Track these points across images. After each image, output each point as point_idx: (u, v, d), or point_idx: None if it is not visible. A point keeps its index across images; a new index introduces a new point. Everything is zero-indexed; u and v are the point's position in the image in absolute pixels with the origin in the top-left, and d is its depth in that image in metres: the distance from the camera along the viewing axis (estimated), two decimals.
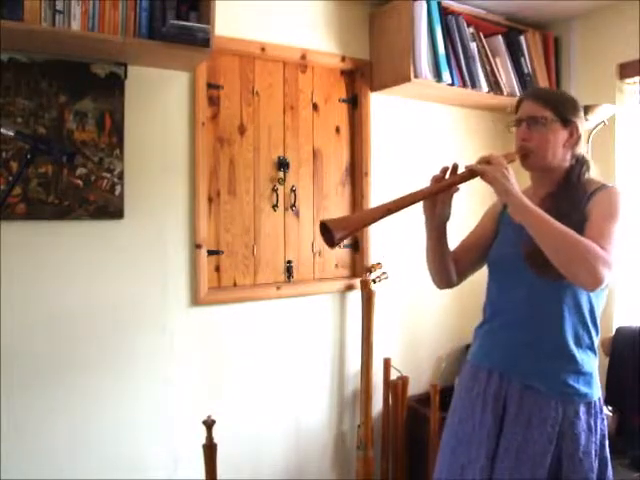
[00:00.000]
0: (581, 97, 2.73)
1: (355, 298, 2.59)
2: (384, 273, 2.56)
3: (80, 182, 1.95)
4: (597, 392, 1.46)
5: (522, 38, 2.77)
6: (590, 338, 1.46)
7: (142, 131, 2.08)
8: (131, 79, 2.04)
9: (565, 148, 1.49)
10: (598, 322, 1.48)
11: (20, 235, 1.88)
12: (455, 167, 1.45)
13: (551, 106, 1.47)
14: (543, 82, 2.81)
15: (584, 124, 1.53)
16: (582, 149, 1.53)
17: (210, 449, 1.98)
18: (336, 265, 2.62)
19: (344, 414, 2.60)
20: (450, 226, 1.56)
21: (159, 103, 2.12)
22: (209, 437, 1.97)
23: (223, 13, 2.08)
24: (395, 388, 2.59)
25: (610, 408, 2.47)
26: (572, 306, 1.42)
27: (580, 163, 1.51)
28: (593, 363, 1.46)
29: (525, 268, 1.42)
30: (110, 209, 2.00)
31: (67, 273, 1.96)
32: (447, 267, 1.60)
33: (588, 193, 1.44)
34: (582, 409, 1.42)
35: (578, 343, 1.43)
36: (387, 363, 2.61)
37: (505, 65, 2.72)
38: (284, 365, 2.43)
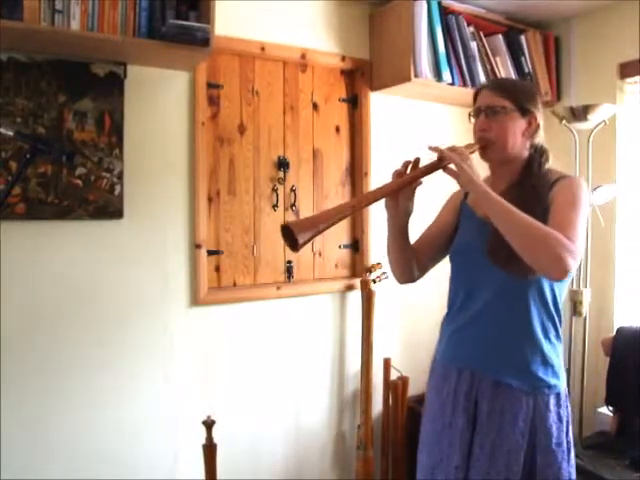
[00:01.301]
0: (582, 96, 2.77)
1: (355, 298, 2.59)
2: (384, 273, 2.56)
3: (80, 182, 1.95)
4: (564, 382, 1.47)
5: (522, 38, 2.77)
6: (555, 328, 1.46)
7: (142, 131, 2.08)
8: (131, 79, 2.03)
9: (524, 137, 1.48)
10: (561, 309, 1.48)
11: (20, 235, 1.88)
12: (417, 161, 1.45)
13: (509, 95, 1.47)
14: (543, 81, 2.80)
15: (542, 113, 1.52)
16: (541, 139, 1.52)
17: (210, 449, 1.98)
18: (336, 265, 2.62)
19: (344, 414, 2.60)
20: (413, 219, 1.54)
21: (159, 103, 2.12)
22: (209, 437, 1.98)
23: (223, 13, 2.08)
24: (395, 388, 2.58)
25: (611, 408, 2.47)
26: (537, 297, 1.42)
27: (539, 152, 1.51)
28: (559, 352, 1.47)
29: (488, 262, 1.41)
30: (110, 209, 2.00)
31: (67, 273, 1.96)
32: (409, 262, 1.59)
33: (550, 182, 1.43)
34: (552, 401, 1.43)
35: (545, 334, 1.44)
36: (387, 363, 2.60)
37: (505, 64, 2.71)
38: (284, 365, 2.43)
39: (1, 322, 1.84)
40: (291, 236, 1.27)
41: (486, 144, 1.47)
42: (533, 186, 1.44)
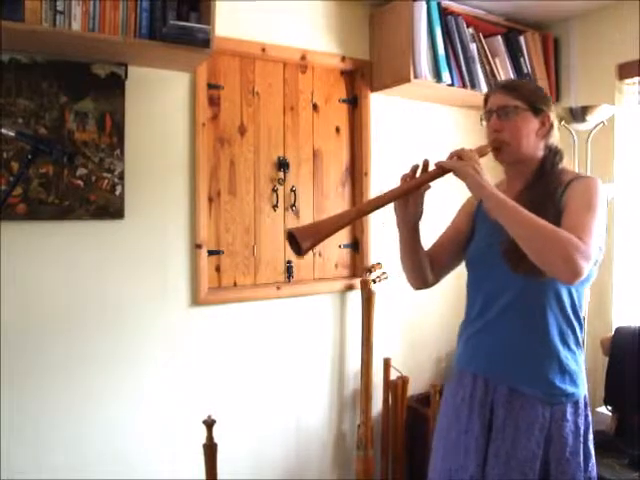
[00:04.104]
0: (581, 97, 2.78)
1: (355, 298, 2.59)
2: (384, 273, 2.57)
3: (81, 182, 1.95)
4: (583, 390, 1.44)
5: (522, 38, 2.77)
6: (574, 334, 1.43)
7: (142, 131, 2.08)
8: (131, 79, 2.04)
9: (538, 137, 1.46)
10: (581, 316, 1.45)
11: (20, 235, 1.88)
12: (426, 164, 1.42)
13: (520, 95, 1.45)
14: (542, 82, 2.81)
15: (554, 114, 1.50)
16: (555, 139, 1.50)
17: (210, 449, 1.98)
18: (336, 265, 2.63)
19: (344, 414, 2.60)
20: (426, 224, 1.53)
21: (159, 103, 2.12)
22: (209, 437, 1.98)
23: (223, 13, 2.09)
24: (395, 388, 2.59)
25: (610, 408, 2.48)
26: (555, 304, 1.39)
27: (553, 153, 1.48)
28: (579, 359, 1.44)
29: (504, 268, 1.39)
30: (110, 209, 2.00)
31: (67, 273, 1.96)
32: (422, 266, 1.56)
33: (564, 183, 1.41)
34: (569, 410, 1.40)
35: (563, 341, 1.41)
36: (387, 363, 2.61)
37: (505, 65, 2.72)
38: (284, 365, 2.43)
39: (1, 322, 1.84)
40: (295, 242, 1.26)
41: (500, 145, 1.45)
42: (545, 187, 1.42)
